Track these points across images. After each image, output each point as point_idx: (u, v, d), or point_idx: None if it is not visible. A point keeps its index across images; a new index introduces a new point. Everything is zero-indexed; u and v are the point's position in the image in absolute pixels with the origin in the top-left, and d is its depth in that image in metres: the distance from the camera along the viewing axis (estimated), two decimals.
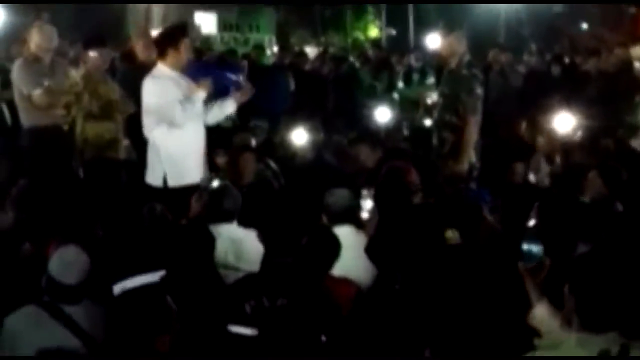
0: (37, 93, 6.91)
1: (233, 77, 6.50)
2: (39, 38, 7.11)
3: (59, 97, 7.07)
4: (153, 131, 6.45)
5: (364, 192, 5.24)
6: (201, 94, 6.36)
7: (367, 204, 5.17)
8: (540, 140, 7.92)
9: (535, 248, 3.74)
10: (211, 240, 4.70)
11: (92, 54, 7.66)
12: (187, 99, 6.29)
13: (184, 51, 6.40)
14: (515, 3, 25.19)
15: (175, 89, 6.31)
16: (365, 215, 5.13)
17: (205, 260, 4.63)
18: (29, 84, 6.97)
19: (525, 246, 3.75)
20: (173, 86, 6.33)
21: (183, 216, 5.62)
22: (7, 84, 7.65)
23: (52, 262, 4.47)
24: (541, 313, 3.60)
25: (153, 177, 6.44)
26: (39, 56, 7.08)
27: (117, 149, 7.54)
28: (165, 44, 6.44)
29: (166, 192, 6.23)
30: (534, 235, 3.84)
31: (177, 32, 6.57)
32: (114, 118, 7.50)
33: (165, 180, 6.34)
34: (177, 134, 6.35)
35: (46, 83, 6.94)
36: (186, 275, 4.41)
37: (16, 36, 10.33)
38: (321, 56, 14.15)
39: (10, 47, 9.33)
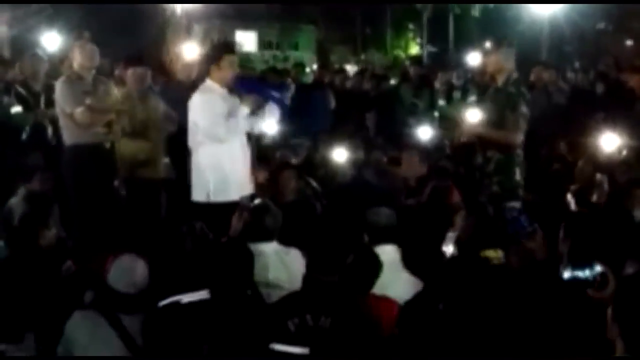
0: (79, 111, 6.96)
1: (275, 94, 6.52)
2: (81, 57, 7.17)
3: (100, 116, 7.12)
4: (199, 147, 6.47)
5: (449, 234, 5.19)
6: (245, 110, 6.41)
7: (449, 249, 5.15)
8: (580, 165, 7.76)
9: (582, 273, 3.65)
10: (250, 258, 4.66)
11: (129, 72, 7.72)
12: (230, 114, 6.32)
13: (226, 68, 6.45)
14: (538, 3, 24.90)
15: (221, 105, 6.39)
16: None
17: (245, 278, 4.60)
18: (71, 102, 7.02)
19: (567, 273, 3.67)
20: (218, 102, 6.40)
21: (226, 233, 5.61)
22: (52, 102, 7.72)
23: (112, 270, 4.50)
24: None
25: (197, 193, 6.45)
26: (81, 75, 7.14)
27: (153, 168, 7.56)
28: (207, 62, 6.61)
29: (210, 208, 6.22)
30: (580, 261, 3.76)
31: (217, 50, 6.71)
32: (148, 137, 7.52)
33: (209, 196, 6.34)
34: (223, 149, 6.39)
35: (88, 101, 6.99)
36: (227, 293, 4.39)
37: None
38: (361, 74, 14.14)
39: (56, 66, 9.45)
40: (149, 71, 8.12)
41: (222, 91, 6.47)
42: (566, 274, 3.77)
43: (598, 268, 3.66)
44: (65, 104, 7.08)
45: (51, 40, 23.08)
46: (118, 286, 4.46)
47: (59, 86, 7.19)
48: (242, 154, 6.53)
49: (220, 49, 6.72)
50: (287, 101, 6.66)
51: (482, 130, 6.88)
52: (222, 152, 6.40)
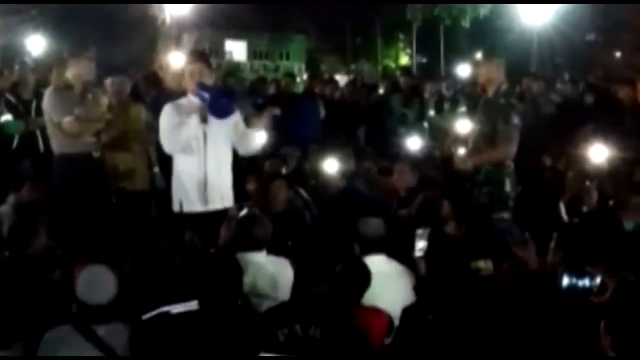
0: (67, 121, 6.93)
1: (205, 95, 6.26)
2: (82, 69, 7.10)
3: (89, 125, 7.08)
4: (172, 157, 6.48)
5: (419, 231, 5.19)
6: (192, 120, 6.18)
7: (420, 243, 5.15)
8: (570, 175, 7.79)
9: (581, 282, 3.67)
10: (238, 269, 4.65)
11: (107, 82, 7.71)
12: (177, 125, 6.24)
13: (187, 77, 6.40)
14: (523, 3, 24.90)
15: (173, 116, 6.29)
16: (421, 255, 5.11)
17: (234, 289, 4.60)
18: (60, 112, 6.98)
19: (566, 281, 3.67)
20: (174, 113, 6.31)
21: (204, 243, 5.58)
22: (42, 110, 7.69)
23: (78, 284, 4.48)
24: None
25: (173, 204, 6.45)
26: (70, 84, 7.11)
27: (135, 179, 7.55)
28: None
29: (182, 219, 6.24)
30: (578, 269, 3.77)
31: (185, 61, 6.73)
32: (129, 148, 7.51)
33: (181, 206, 6.34)
34: (185, 160, 6.33)
35: (76, 111, 6.96)
36: (216, 303, 4.38)
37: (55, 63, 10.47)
38: (352, 84, 14.15)
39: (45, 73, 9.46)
40: (128, 81, 8.08)
41: (192, 101, 6.32)
42: (565, 282, 3.77)
43: (597, 278, 3.68)
44: (53, 113, 7.05)
45: (36, 45, 23.14)
46: (85, 298, 4.43)
47: (47, 95, 7.16)
48: (211, 164, 6.31)
49: (187, 59, 6.73)
50: (230, 107, 6.25)
51: (475, 161, 6.88)
52: (185, 163, 6.33)
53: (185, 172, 6.34)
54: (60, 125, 6.99)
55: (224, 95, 6.34)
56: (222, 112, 6.16)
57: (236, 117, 6.39)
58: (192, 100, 6.30)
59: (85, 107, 7.09)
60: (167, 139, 6.29)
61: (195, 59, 6.51)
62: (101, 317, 4.41)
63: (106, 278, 4.50)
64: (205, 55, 6.98)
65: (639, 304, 3.21)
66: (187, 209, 6.30)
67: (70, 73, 7.11)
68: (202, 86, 6.23)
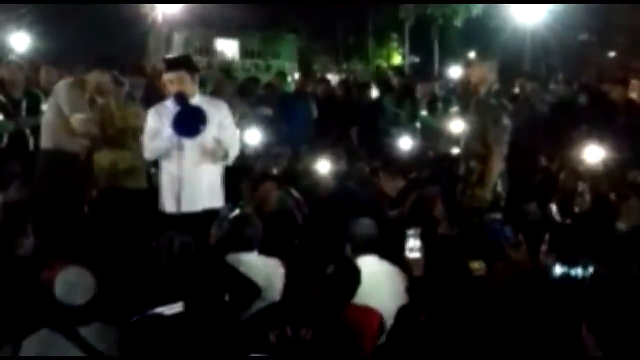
0: (78, 118, 6.89)
1: (176, 109, 6.18)
2: (104, 80, 7.15)
3: (92, 129, 7.06)
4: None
5: (410, 231, 5.17)
6: (165, 131, 6.18)
7: (411, 243, 5.14)
8: (563, 176, 7.79)
9: (574, 271, 3.65)
10: (224, 269, 4.63)
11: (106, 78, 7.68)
12: (153, 134, 6.28)
13: (167, 84, 6.36)
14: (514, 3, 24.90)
15: (152, 121, 6.35)
16: (412, 255, 5.09)
17: (220, 290, 4.57)
18: (73, 106, 6.94)
19: (558, 270, 3.66)
20: (152, 118, 6.36)
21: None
22: (33, 109, 7.63)
23: (56, 285, 4.45)
24: None
25: (159, 203, 6.46)
26: (84, 84, 7.10)
27: (134, 178, 7.51)
28: None
29: (162, 219, 6.25)
30: (571, 259, 3.75)
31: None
32: (128, 146, 7.47)
33: (162, 206, 6.36)
34: (166, 162, 6.33)
35: (88, 112, 6.97)
36: (202, 304, 4.35)
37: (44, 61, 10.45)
38: (343, 83, 14.14)
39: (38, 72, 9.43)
40: (127, 79, 8.06)
41: (171, 109, 6.24)
42: (557, 271, 3.76)
43: (590, 268, 3.67)
44: (66, 105, 6.97)
45: (21, 43, 23.15)
46: (65, 300, 4.41)
47: (62, 88, 7.09)
48: (191, 169, 6.22)
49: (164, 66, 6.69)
50: (194, 129, 6.17)
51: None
52: (163, 164, 6.38)
53: (163, 172, 6.38)
54: (68, 120, 6.94)
55: (192, 115, 6.16)
56: (184, 132, 6.09)
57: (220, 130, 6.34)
58: (171, 107, 6.23)
59: (93, 111, 7.08)
60: (145, 148, 6.38)
61: (171, 67, 6.41)
62: (81, 318, 4.38)
63: (83, 280, 4.47)
64: (185, 61, 6.67)
65: (618, 300, 3.19)
66: (165, 209, 6.32)
67: (91, 81, 7.10)
68: (178, 98, 6.16)
